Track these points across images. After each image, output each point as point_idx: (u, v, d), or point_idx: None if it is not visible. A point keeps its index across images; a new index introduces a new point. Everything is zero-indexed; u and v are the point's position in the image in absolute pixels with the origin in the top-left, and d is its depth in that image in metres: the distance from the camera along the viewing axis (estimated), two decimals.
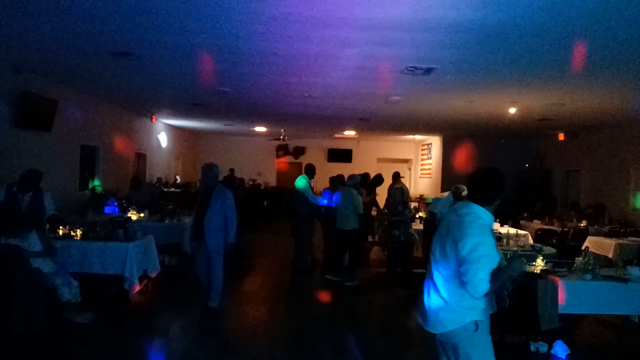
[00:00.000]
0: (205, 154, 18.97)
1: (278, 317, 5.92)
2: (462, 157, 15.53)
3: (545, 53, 5.51)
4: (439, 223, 8.76)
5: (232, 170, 16.66)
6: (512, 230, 7.62)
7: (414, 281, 7.28)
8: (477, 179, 2.77)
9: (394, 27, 4.73)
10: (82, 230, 6.20)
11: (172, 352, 4.75)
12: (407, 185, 12.49)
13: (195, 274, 5.99)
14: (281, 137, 16.64)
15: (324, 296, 7.21)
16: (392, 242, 7.79)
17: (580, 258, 5.21)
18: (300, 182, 8.58)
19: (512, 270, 2.64)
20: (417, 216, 9.81)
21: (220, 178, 6.74)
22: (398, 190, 8.27)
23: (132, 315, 5.80)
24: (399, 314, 6.39)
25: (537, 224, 10.44)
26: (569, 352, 4.73)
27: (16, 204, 5.40)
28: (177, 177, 16.07)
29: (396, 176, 11.58)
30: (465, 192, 8.19)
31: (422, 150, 18.48)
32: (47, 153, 8.26)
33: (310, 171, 8.86)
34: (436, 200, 8.76)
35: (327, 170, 13.89)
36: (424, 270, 10.09)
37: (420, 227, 8.74)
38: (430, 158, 17.44)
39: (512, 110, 9.46)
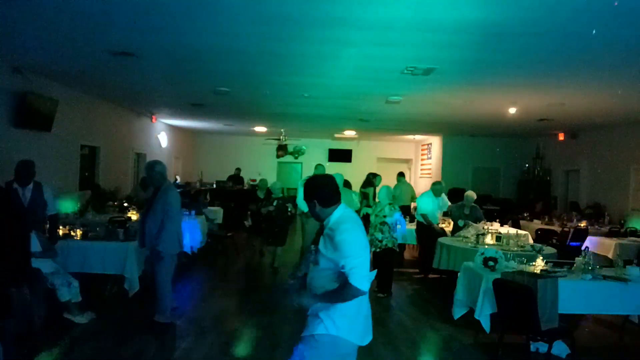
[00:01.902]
0: (205, 154, 18.98)
1: (278, 317, 5.93)
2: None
3: (545, 53, 5.51)
4: (429, 223, 8.47)
5: (238, 169, 16.71)
6: (512, 230, 7.62)
7: (391, 287, 7.14)
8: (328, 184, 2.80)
9: (394, 27, 4.74)
10: (82, 230, 6.19)
11: (172, 352, 4.74)
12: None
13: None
14: (281, 137, 16.64)
15: None
16: (374, 246, 6.95)
17: (580, 258, 5.21)
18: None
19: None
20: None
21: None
22: (382, 189, 7.32)
23: (132, 315, 5.79)
24: (399, 314, 6.39)
25: (537, 224, 10.44)
26: (569, 352, 4.73)
27: (18, 201, 5.31)
28: (177, 177, 16.08)
29: (399, 176, 11.57)
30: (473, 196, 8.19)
31: (422, 150, 18.48)
32: (47, 153, 8.25)
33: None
34: (419, 200, 8.61)
35: (327, 170, 13.86)
36: (418, 271, 9.92)
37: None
38: (430, 158, 17.43)
39: (512, 110, 9.46)
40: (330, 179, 2.82)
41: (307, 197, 2.76)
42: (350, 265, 2.52)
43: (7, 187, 5.26)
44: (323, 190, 2.73)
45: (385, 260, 6.96)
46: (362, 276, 2.53)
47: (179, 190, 14.16)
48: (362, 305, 2.70)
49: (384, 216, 6.99)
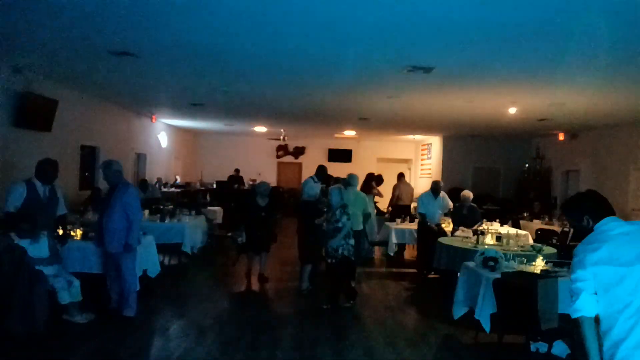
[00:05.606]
0: (205, 154, 18.97)
1: (278, 319, 5.95)
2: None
3: (545, 53, 5.51)
4: (430, 223, 8.46)
5: (237, 170, 16.78)
6: (512, 230, 7.62)
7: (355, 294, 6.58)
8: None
9: (394, 27, 4.74)
10: (82, 230, 6.19)
11: (172, 352, 4.74)
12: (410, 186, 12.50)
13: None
14: (281, 137, 16.65)
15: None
16: (329, 256, 6.35)
17: None
18: (306, 182, 8.31)
19: None
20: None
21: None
22: (335, 190, 6.55)
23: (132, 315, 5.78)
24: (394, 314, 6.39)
25: (537, 224, 10.44)
26: (569, 352, 4.73)
27: (39, 199, 5.30)
28: (177, 177, 16.09)
29: (399, 177, 11.55)
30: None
31: (422, 150, 18.48)
32: (47, 153, 8.24)
33: (320, 173, 8.23)
34: (419, 199, 8.54)
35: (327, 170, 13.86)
36: (415, 271, 9.77)
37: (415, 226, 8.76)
38: (430, 158, 17.43)
39: (512, 110, 9.46)
40: (593, 192, 2.50)
41: (574, 215, 2.45)
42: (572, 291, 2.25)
43: (28, 186, 5.27)
44: (594, 202, 2.39)
45: (343, 270, 6.39)
46: (579, 302, 2.18)
47: (178, 190, 14.24)
48: None
49: (336, 221, 6.33)
